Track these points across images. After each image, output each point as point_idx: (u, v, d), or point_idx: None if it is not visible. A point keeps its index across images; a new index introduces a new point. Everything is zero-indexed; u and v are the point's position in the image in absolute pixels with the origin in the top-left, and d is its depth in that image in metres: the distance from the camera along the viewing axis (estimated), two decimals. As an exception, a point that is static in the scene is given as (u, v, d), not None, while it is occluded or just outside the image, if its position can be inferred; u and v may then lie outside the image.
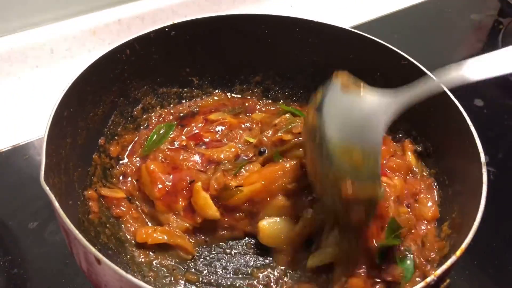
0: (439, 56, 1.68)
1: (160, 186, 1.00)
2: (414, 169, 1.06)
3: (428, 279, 0.68)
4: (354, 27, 1.14)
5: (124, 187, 1.06)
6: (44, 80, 1.48)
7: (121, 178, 1.07)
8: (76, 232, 0.68)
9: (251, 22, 1.13)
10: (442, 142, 1.02)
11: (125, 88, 1.10)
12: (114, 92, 1.07)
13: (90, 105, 1.01)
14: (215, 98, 1.23)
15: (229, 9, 1.76)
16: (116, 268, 0.64)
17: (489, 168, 0.85)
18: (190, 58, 1.15)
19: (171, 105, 1.20)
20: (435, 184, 1.03)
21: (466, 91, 1.52)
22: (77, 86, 0.93)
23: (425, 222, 0.96)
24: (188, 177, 1.00)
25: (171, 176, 1.00)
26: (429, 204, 0.98)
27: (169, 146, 1.09)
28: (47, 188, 0.72)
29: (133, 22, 1.63)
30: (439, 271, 0.69)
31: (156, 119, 1.17)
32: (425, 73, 1.01)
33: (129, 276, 0.63)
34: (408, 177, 1.03)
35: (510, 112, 1.48)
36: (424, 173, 1.05)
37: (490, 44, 1.74)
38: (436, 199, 0.99)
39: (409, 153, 1.08)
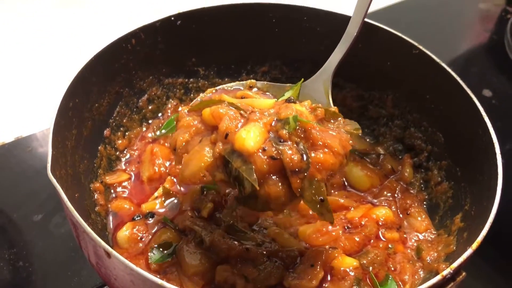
0: (447, 44, 1.67)
1: (156, 169, 1.04)
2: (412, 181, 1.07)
3: (444, 272, 0.67)
4: (362, 16, 1.12)
5: (128, 169, 1.07)
6: (47, 71, 1.46)
7: (125, 159, 1.09)
8: (85, 225, 0.67)
9: (258, 11, 1.11)
10: (453, 133, 1.01)
11: (130, 79, 1.08)
12: (119, 82, 1.06)
13: (95, 96, 1.00)
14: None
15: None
16: (127, 261, 0.63)
17: (498, 159, 0.84)
18: (196, 48, 1.13)
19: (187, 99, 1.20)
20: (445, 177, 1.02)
21: (474, 81, 1.53)
22: (83, 76, 0.92)
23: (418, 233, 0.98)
24: None
25: (167, 163, 1.06)
26: (422, 217, 1.00)
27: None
28: (54, 180, 0.71)
29: (136, 8, 1.60)
30: (455, 264, 0.68)
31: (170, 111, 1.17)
32: (437, 63, 0.99)
33: (140, 270, 0.62)
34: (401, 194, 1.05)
35: (519, 103, 1.47)
36: (421, 187, 1.07)
37: (497, 33, 1.72)
38: (427, 213, 1.02)
39: (407, 169, 1.08)
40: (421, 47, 1.02)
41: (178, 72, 1.16)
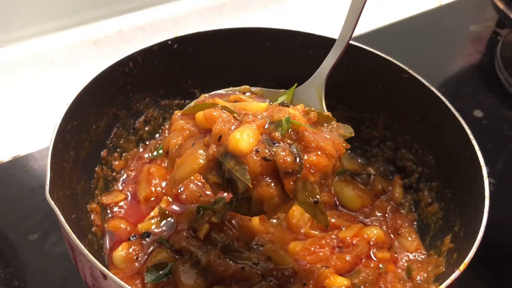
0: (438, 66, 1.69)
1: (152, 189, 1.06)
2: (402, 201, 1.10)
3: (433, 294, 0.68)
4: (354, 39, 1.15)
5: (125, 190, 1.09)
6: (45, 91, 1.48)
7: (122, 179, 1.11)
8: (82, 247, 0.68)
9: (253, 36, 1.13)
10: (443, 155, 1.03)
11: (128, 101, 1.10)
12: (116, 104, 1.08)
13: (93, 118, 1.02)
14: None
15: (230, 19, 1.77)
16: (123, 283, 0.64)
17: (489, 179, 0.86)
18: (192, 70, 1.16)
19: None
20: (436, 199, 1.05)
21: (466, 102, 1.56)
22: (81, 99, 0.94)
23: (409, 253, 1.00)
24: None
25: (164, 183, 1.08)
26: (412, 237, 1.02)
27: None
28: (52, 203, 0.73)
29: (134, 32, 1.63)
30: (443, 285, 0.69)
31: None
32: (426, 87, 1.02)
33: (135, 292, 0.64)
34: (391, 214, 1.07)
35: (509, 123, 1.49)
36: (411, 208, 1.09)
37: (488, 54, 1.76)
38: (417, 233, 1.03)
39: (398, 190, 1.10)
40: (411, 71, 1.04)
41: (174, 94, 1.18)
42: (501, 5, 1.49)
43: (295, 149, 0.74)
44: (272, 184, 0.74)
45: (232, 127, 0.76)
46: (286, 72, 1.18)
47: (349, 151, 1.20)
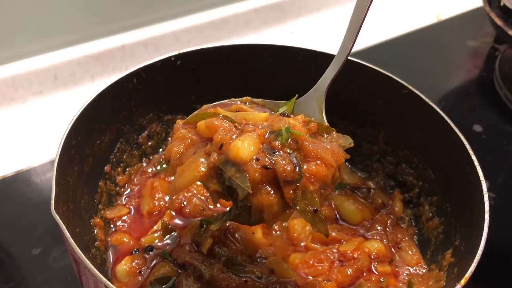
0: (437, 82, 1.71)
1: (156, 203, 1.07)
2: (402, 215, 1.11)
3: (434, 308, 0.69)
4: (353, 54, 1.17)
5: (128, 204, 1.10)
6: (48, 106, 1.49)
7: (126, 193, 1.12)
8: (87, 261, 0.69)
9: (255, 52, 1.15)
10: (443, 169, 1.04)
11: (131, 116, 1.12)
12: (120, 120, 1.09)
13: (97, 133, 1.03)
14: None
15: (231, 35, 1.79)
16: (127, 298, 0.65)
17: (489, 193, 0.87)
18: (195, 86, 1.17)
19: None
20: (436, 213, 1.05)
21: (465, 117, 1.57)
22: (86, 115, 0.95)
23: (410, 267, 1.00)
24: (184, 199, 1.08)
25: (167, 198, 1.09)
26: (412, 251, 1.02)
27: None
28: (57, 218, 0.73)
29: (136, 48, 1.65)
30: (445, 300, 0.70)
31: None
32: (426, 103, 1.03)
33: (139, 306, 0.64)
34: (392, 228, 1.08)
35: (509, 137, 1.50)
36: (411, 222, 1.10)
37: (486, 70, 1.77)
38: (418, 247, 1.04)
39: (397, 204, 1.12)
40: (410, 87, 1.06)
41: (177, 109, 1.19)
42: (498, 22, 1.51)
43: (294, 158, 0.75)
44: (272, 192, 0.74)
45: (233, 136, 0.77)
46: (287, 88, 1.19)
47: (349, 166, 1.21)
